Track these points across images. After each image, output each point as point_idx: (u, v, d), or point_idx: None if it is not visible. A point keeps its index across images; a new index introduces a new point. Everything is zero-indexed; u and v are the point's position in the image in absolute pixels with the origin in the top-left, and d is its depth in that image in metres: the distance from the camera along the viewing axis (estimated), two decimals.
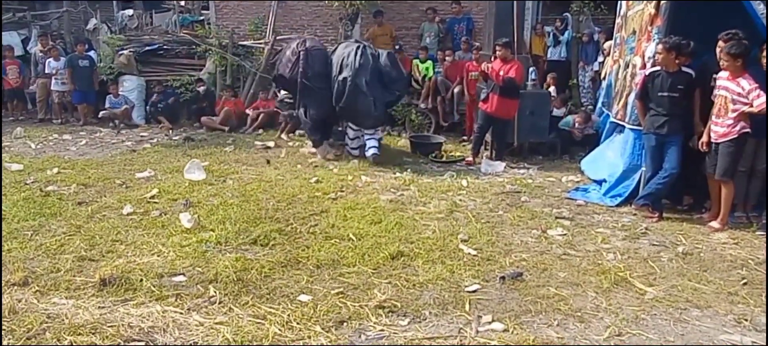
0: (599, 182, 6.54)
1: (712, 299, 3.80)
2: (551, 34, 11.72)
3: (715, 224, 5.23)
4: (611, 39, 8.13)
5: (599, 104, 8.38)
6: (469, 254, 4.49)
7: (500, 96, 7.58)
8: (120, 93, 10.77)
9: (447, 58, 10.27)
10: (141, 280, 3.87)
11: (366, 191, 6.29)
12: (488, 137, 8.15)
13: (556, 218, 5.51)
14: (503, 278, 4.01)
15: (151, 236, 4.75)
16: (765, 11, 4.99)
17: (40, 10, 13.96)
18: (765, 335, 3.24)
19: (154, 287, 3.79)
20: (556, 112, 8.86)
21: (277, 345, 3.18)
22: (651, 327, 3.44)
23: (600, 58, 11.02)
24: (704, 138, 5.25)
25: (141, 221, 5.14)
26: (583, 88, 11.57)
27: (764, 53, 4.98)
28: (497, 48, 7.67)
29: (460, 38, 11.31)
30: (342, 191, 6.26)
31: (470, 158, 7.92)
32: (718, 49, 5.14)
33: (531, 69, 9.02)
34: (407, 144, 8.91)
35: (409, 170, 7.32)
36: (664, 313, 3.62)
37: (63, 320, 3.34)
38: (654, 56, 5.73)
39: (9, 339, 3.13)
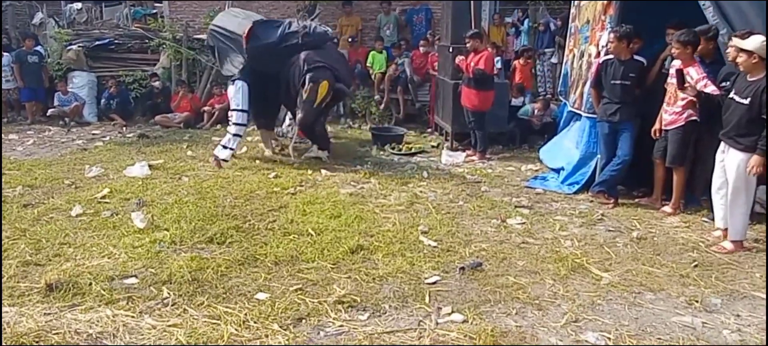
0: (557, 170, 6.64)
1: (664, 282, 3.89)
2: (512, 25, 11.89)
3: (667, 208, 5.36)
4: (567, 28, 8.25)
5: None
6: (430, 245, 4.48)
7: (470, 88, 7.45)
8: (69, 90, 10.36)
9: (421, 48, 10.18)
10: (90, 284, 3.72)
11: (326, 185, 6.22)
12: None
13: (516, 206, 5.55)
14: (463, 268, 4.02)
15: (102, 238, 4.58)
16: (708, 4, 5.10)
17: None
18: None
19: (104, 290, 3.65)
20: (514, 101, 8.95)
21: None
22: (607, 312, 3.49)
23: (551, 48, 11.32)
24: (656, 125, 5.37)
25: (91, 222, 4.95)
26: (541, 76, 11.77)
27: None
28: (467, 41, 7.50)
29: (419, 29, 11.31)
30: (301, 186, 6.17)
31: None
32: (668, 37, 5.25)
33: (497, 58, 9.09)
34: (368, 136, 8.86)
35: (369, 163, 7.28)
36: (619, 298, 3.68)
37: (5, 329, 3.18)
38: (607, 45, 5.83)
39: None
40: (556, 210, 5.51)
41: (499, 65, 9.07)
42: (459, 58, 7.58)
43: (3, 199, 5.56)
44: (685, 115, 5.07)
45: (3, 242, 4.43)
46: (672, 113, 5.16)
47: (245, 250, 4.34)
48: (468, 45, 7.44)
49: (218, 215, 5.10)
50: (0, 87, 10.31)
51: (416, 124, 9.82)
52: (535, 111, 8.64)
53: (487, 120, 7.63)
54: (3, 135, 9.10)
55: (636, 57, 5.49)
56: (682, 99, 5.04)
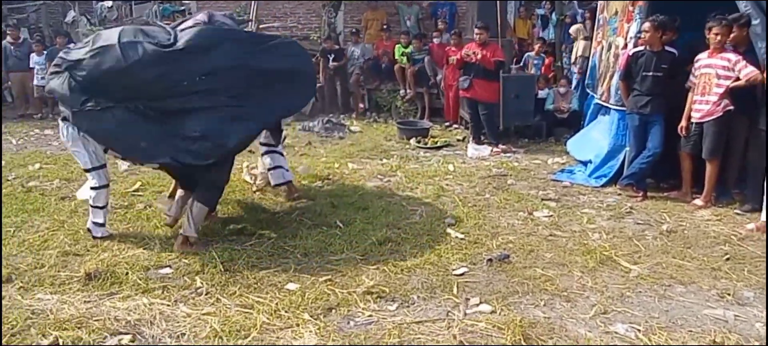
0: (585, 163, 6.58)
1: (695, 275, 3.85)
2: (540, 17, 11.77)
3: (698, 201, 5.29)
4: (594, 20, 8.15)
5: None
6: (457, 237, 4.50)
7: (486, 80, 7.56)
8: None
9: (435, 39, 10.22)
10: (127, 273, 3.84)
11: (353, 178, 6.28)
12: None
13: (542, 199, 5.54)
14: (490, 260, 4.03)
15: (136, 230, 4.71)
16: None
17: (18, 2, 13.68)
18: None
19: (140, 279, 3.76)
20: (541, 93, 8.89)
21: (264, 341, 3.17)
22: (636, 304, 3.48)
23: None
24: (683, 122, 5.29)
25: (125, 214, 5.09)
26: (567, 69, 11.65)
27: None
28: (476, 31, 7.66)
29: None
30: (328, 179, 6.24)
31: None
32: (706, 30, 5.15)
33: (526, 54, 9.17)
34: (394, 130, 8.89)
35: (395, 157, 7.32)
36: (648, 290, 3.66)
37: (48, 315, 3.31)
38: (637, 36, 5.75)
39: None
40: (583, 203, 5.48)
41: (536, 60, 9.50)
42: (465, 53, 7.67)
43: (41, 192, 5.75)
44: (722, 105, 5.00)
45: (43, 233, 4.59)
46: (708, 103, 5.07)
47: (275, 242, 4.42)
48: (479, 36, 7.58)
49: (247, 208, 5.19)
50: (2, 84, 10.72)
51: (442, 117, 9.81)
52: (559, 89, 8.64)
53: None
54: (40, 130, 9.39)
55: (667, 48, 5.42)
56: (718, 86, 4.97)
